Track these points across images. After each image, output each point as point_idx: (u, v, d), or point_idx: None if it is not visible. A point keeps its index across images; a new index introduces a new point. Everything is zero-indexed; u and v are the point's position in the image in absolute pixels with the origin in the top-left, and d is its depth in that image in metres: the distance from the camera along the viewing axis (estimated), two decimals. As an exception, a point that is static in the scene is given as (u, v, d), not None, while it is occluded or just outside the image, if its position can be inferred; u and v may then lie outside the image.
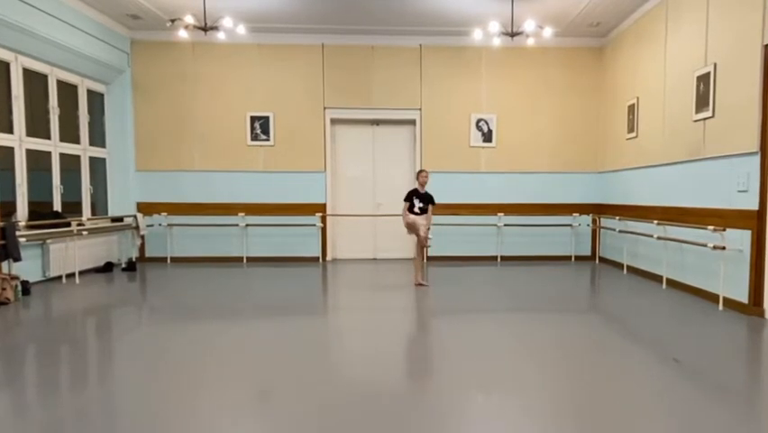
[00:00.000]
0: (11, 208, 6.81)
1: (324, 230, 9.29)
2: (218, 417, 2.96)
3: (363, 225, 9.53)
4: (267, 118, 9.14)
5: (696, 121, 6.22)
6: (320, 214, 9.22)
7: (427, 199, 6.91)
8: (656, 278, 7.13)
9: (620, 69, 8.56)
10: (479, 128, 9.31)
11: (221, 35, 7.40)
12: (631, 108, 8.03)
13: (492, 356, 4.05)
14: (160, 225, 9.10)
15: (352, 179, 9.57)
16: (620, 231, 8.09)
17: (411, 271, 8.47)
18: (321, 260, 9.27)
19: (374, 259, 9.51)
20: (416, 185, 6.96)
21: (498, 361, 3.94)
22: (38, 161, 7.41)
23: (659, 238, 6.80)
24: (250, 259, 9.12)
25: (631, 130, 8.04)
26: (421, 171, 7.02)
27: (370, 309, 5.84)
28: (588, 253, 9.51)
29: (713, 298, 5.82)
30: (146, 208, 9.06)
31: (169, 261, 9.10)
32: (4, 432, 2.83)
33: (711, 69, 5.90)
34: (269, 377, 3.62)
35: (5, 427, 2.90)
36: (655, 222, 6.88)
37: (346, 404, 3.12)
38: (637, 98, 7.83)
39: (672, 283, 6.73)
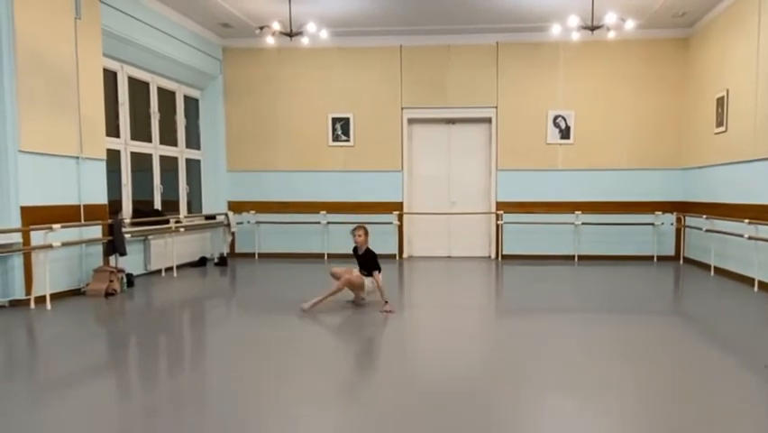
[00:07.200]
0: (117, 207, 7.45)
1: (400, 228, 9.51)
2: (299, 402, 3.23)
3: (438, 224, 9.66)
4: (347, 119, 9.46)
5: (792, 115, 5.92)
6: (397, 212, 9.45)
7: (367, 262, 5.35)
8: (747, 280, 6.81)
9: (708, 60, 8.20)
10: (556, 125, 9.21)
11: (305, 40, 7.73)
12: (720, 101, 7.69)
13: (571, 357, 4.07)
14: (248, 222, 9.63)
15: (427, 177, 9.71)
16: (707, 230, 7.77)
17: (484, 268, 8.53)
18: (398, 257, 9.47)
19: (448, 257, 9.62)
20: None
21: (577, 362, 3.95)
22: (140, 163, 8.07)
23: (750, 238, 6.50)
24: (330, 255, 9.42)
25: (720, 124, 7.71)
26: (355, 229, 5.50)
27: (445, 306, 5.99)
28: (671, 253, 9.16)
29: (810, 301, 5.54)
30: (236, 207, 9.62)
31: (256, 256, 9.62)
32: (117, 404, 3.28)
33: (809, 60, 5.60)
34: (348, 367, 3.87)
35: (118, 399, 3.37)
36: (746, 221, 6.59)
37: (424, 400, 3.24)
38: (727, 91, 7.49)
39: (765, 286, 6.42)
